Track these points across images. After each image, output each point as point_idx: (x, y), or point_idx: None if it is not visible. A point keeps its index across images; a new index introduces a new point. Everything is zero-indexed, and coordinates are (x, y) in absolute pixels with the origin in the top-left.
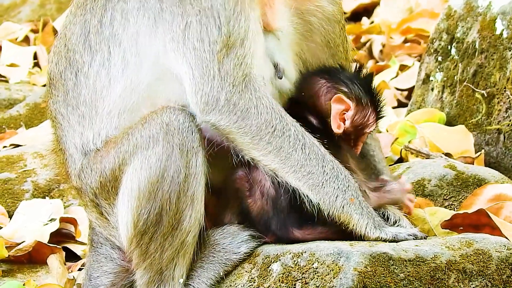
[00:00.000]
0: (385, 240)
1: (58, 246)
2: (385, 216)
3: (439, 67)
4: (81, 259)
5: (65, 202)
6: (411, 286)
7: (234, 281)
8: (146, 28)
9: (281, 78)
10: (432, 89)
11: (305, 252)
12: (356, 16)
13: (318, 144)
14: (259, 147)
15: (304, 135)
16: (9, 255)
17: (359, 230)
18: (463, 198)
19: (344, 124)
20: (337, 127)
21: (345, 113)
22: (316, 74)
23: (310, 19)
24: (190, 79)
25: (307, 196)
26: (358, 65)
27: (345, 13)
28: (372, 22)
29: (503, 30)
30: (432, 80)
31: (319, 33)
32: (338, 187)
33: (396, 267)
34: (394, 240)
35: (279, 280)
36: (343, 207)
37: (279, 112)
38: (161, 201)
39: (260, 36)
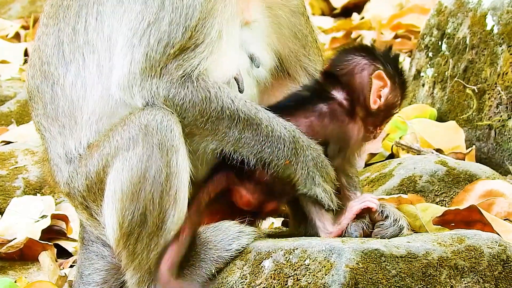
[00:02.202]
0: (316, 197)
1: (50, 243)
2: (384, 215)
3: (430, 63)
4: (72, 256)
5: (56, 199)
6: (403, 283)
7: (226, 278)
8: (117, 24)
9: (258, 67)
10: (423, 85)
11: (297, 248)
12: (346, 11)
13: (255, 111)
14: (197, 133)
15: (239, 110)
16: (0, 252)
17: (298, 187)
18: (454, 194)
19: (380, 101)
20: (373, 102)
21: (381, 90)
22: (352, 51)
23: (278, 13)
24: (127, 72)
25: (250, 161)
26: (388, 45)
27: (335, 8)
28: (363, 18)
29: (493, 25)
30: (423, 76)
31: (286, 25)
32: (273, 151)
33: (388, 264)
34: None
35: (271, 276)
36: (279, 168)
37: (215, 100)
38: (144, 202)
39: (233, 31)
